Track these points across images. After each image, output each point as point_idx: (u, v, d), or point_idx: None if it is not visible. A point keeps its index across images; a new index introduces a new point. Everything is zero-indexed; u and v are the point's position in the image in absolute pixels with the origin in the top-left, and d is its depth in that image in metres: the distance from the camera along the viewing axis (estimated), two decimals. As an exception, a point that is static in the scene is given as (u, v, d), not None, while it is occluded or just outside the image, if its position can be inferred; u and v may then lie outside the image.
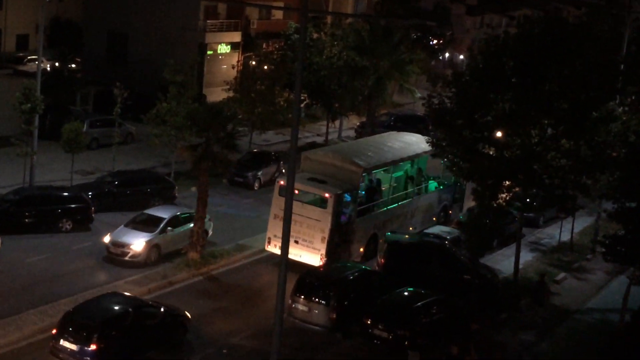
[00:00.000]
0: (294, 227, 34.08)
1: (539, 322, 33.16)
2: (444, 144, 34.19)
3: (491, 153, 32.93)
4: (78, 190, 39.16)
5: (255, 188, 46.60)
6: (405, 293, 31.07)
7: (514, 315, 33.40)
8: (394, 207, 39.02)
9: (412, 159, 40.79)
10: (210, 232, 36.86)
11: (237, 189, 46.04)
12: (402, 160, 40.24)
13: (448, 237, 37.36)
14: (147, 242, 34.03)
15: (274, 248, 35.23)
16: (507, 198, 33.96)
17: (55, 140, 43.23)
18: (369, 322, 29.06)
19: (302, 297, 30.09)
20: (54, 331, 25.63)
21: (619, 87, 33.69)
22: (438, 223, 41.44)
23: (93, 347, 24.75)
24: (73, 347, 24.91)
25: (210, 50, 66.14)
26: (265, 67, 53.24)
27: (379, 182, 39.38)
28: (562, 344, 31.51)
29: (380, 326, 28.86)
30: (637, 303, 32.76)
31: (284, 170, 47.45)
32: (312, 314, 29.88)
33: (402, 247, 35.05)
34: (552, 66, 31.73)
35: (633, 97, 39.73)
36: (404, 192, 40.60)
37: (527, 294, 35.01)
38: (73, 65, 66.25)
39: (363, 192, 37.53)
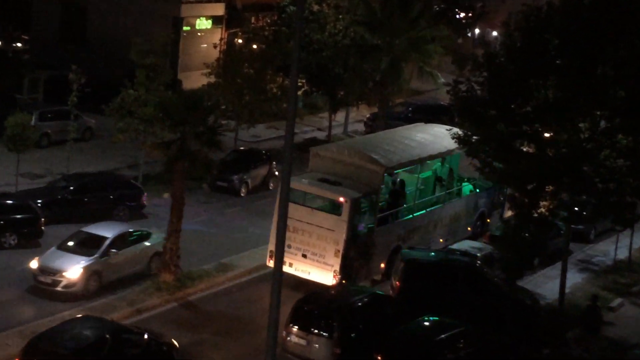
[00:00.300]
0: (301, 239, 34.81)
1: (590, 359, 33.14)
2: (473, 140, 34.24)
3: (531, 151, 32.96)
4: (24, 197, 39.14)
5: (242, 194, 46.66)
6: (426, 323, 31.08)
7: (559, 350, 33.40)
8: (421, 214, 39.22)
9: (443, 156, 40.80)
10: None
11: (219, 195, 46.10)
12: (431, 157, 40.27)
13: (478, 255, 37.40)
14: (85, 269, 33.68)
15: None
16: (551, 207, 33.99)
17: (-3, 136, 43.38)
18: (380, 358, 29.06)
19: (299, 328, 30.10)
20: None
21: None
22: (474, 234, 41.74)
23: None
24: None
25: (187, 25, 66.17)
26: (255, 47, 53.30)
27: (402, 184, 39.59)
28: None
29: (395, 364, 28.89)
30: None
31: (276, 173, 47.57)
32: (311, 348, 29.87)
33: (421, 266, 35.06)
34: (606, 45, 31.78)
35: None
36: (433, 196, 40.77)
37: (576, 324, 35.01)
38: (19, 45, 66.32)
39: (385, 197, 37.78)
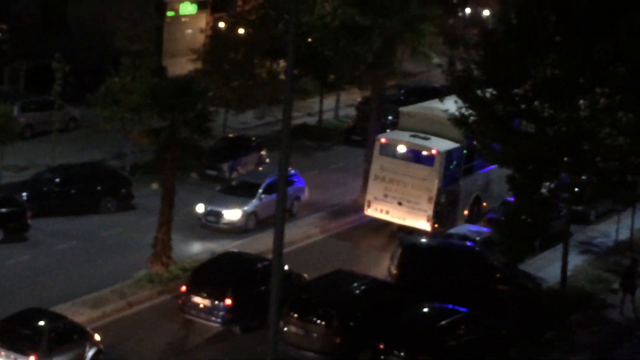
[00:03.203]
0: (396, 188, 40.16)
1: (594, 343, 33.26)
2: (470, 121, 34.23)
3: (530, 131, 32.96)
4: (9, 190, 39.06)
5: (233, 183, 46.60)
6: (426, 310, 31.20)
7: (562, 334, 33.49)
8: (493, 168, 41.40)
9: None
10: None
11: (209, 184, 45.97)
12: None
13: (478, 239, 37.44)
14: None
15: (375, 211, 40.81)
16: (552, 187, 34.04)
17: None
18: (382, 347, 29.12)
19: (297, 317, 30.15)
20: None
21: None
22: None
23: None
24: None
25: (171, 10, 65.96)
26: (242, 31, 53.16)
27: None
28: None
29: (396, 352, 28.89)
30: None
31: (267, 160, 47.58)
32: (309, 338, 29.96)
33: (420, 252, 35.23)
34: (606, 20, 31.75)
35: None
36: None
37: (578, 307, 35.14)
38: (-2, 34, 66.06)
39: (465, 151, 40.81)
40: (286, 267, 32.44)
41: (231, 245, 37.90)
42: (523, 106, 32.99)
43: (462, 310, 30.97)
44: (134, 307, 32.99)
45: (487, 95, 33.52)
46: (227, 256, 34.13)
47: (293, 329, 30.10)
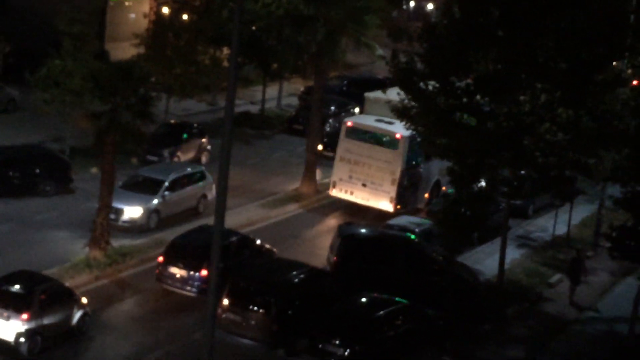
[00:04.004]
0: (361, 170, 42.21)
1: (529, 335, 33.72)
2: (412, 113, 34.47)
3: (471, 124, 33.26)
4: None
5: (174, 169, 46.47)
6: (364, 299, 31.42)
7: (498, 326, 33.92)
8: None
9: None
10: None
11: (150, 170, 45.80)
12: None
13: (417, 230, 37.73)
14: None
15: (340, 192, 42.84)
16: (491, 181, 34.38)
17: None
18: (319, 335, 29.29)
19: (235, 304, 30.24)
20: None
21: (627, 44, 34.23)
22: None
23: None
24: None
25: (115, -6, 65.45)
26: (185, 17, 52.96)
27: None
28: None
29: (333, 341, 29.13)
30: (649, 310, 33.50)
31: (209, 147, 47.52)
32: (247, 325, 30.10)
33: (359, 242, 35.42)
34: (548, 17, 32.09)
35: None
36: None
37: (515, 300, 35.58)
38: None
39: None
40: (258, 242, 35.03)
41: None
42: (465, 99, 33.29)
43: (400, 301, 31.24)
44: (72, 291, 32.80)
45: (430, 87, 33.78)
46: (202, 229, 34.54)
47: (231, 315, 30.18)
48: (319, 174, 46.17)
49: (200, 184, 41.35)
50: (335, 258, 34.78)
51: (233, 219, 38.17)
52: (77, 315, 29.96)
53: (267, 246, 35.39)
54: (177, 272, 32.75)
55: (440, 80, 33.36)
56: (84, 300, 30.40)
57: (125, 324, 31.48)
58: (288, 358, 29.81)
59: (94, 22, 46.37)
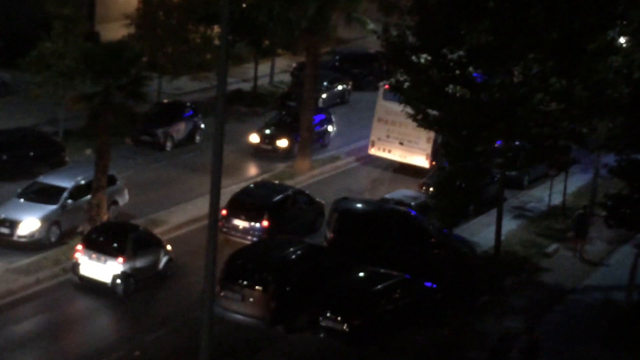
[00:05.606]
0: (399, 129, 44.46)
1: (527, 305, 33.87)
2: (405, 86, 34.49)
3: (465, 97, 33.30)
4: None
5: (168, 149, 46.47)
6: (362, 274, 31.54)
7: (496, 298, 34.07)
8: None
9: None
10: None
11: (144, 150, 45.84)
12: None
13: (413, 204, 37.83)
14: None
15: (378, 151, 45.51)
16: (486, 153, 34.43)
17: None
18: (317, 311, 29.41)
19: (233, 282, 30.32)
20: None
21: (620, 12, 34.21)
22: None
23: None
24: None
25: (104, -26, 65.22)
26: (176, -5, 52.81)
27: None
28: (556, 331, 32.24)
29: (331, 316, 29.25)
30: (647, 278, 33.67)
31: (202, 126, 47.51)
32: (246, 303, 30.18)
33: (355, 217, 35.50)
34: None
35: (637, 25, 40.34)
36: None
37: (512, 271, 35.70)
38: None
39: None
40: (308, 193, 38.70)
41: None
42: (457, 72, 33.30)
43: (398, 275, 31.35)
44: (69, 273, 32.87)
45: (422, 61, 33.77)
46: (260, 185, 38.98)
47: (230, 293, 30.27)
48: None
49: (109, 189, 36.27)
50: (331, 234, 34.84)
51: (228, 198, 38.24)
52: (164, 260, 33.10)
53: (319, 200, 38.79)
54: (240, 223, 35.84)
55: (433, 53, 33.34)
56: (169, 247, 33.43)
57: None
58: (287, 334, 29.88)
59: (83, 3, 46.24)
